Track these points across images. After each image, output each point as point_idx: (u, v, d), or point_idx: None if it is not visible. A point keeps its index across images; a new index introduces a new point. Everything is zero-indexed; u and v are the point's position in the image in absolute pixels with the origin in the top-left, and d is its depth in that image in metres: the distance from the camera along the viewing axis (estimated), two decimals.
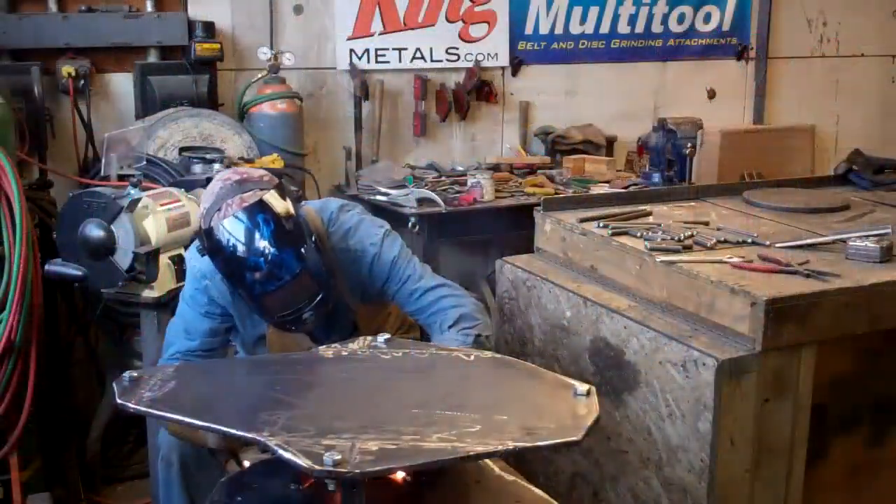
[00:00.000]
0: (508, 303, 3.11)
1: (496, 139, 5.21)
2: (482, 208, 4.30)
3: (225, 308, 2.52)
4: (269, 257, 2.13)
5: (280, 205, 2.19)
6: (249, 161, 3.83)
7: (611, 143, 5.27)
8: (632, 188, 4.34)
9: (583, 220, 2.99)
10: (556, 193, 4.36)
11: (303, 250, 2.19)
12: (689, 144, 4.67)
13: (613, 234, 2.85)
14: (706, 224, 2.96)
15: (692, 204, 3.29)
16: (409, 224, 4.13)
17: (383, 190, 4.37)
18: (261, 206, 2.14)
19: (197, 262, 2.50)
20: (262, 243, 2.13)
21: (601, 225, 2.93)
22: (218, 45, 4.27)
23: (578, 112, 5.31)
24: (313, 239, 2.26)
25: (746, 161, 5.35)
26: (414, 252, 2.68)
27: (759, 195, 3.32)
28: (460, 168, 4.90)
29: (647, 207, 3.17)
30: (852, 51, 6.09)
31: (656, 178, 4.69)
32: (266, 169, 3.80)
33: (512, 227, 4.19)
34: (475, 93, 5.00)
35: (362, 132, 4.74)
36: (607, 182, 4.69)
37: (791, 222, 3.01)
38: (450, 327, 2.52)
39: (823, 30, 5.99)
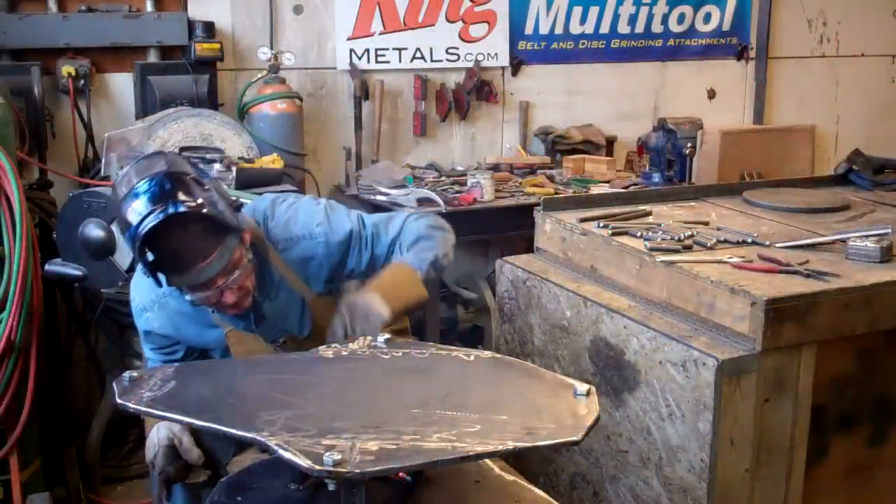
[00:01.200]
0: (508, 303, 3.11)
1: (496, 139, 5.20)
2: (482, 208, 4.29)
3: (173, 337, 2.46)
4: (147, 187, 2.07)
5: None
6: (249, 161, 3.83)
7: (611, 143, 5.27)
8: (632, 188, 4.34)
9: (583, 220, 2.99)
10: (556, 193, 4.35)
11: (193, 191, 2.11)
12: (689, 144, 4.66)
13: (613, 234, 2.85)
14: (706, 224, 2.96)
15: (692, 204, 3.29)
16: None
17: (383, 190, 4.37)
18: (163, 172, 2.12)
19: (137, 294, 2.45)
20: (144, 186, 2.08)
21: (601, 225, 2.93)
22: (218, 45, 4.26)
23: (578, 112, 5.30)
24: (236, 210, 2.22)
25: (746, 161, 5.35)
26: None
27: (759, 195, 3.32)
28: (460, 168, 4.90)
29: (647, 207, 3.17)
30: (852, 51, 6.08)
31: (656, 178, 4.69)
32: (267, 168, 3.85)
33: (512, 227, 4.19)
34: (475, 93, 4.99)
35: (362, 132, 4.73)
36: (607, 182, 4.69)
37: (791, 222, 3.01)
38: (408, 249, 2.49)
39: (823, 30, 5.98)
